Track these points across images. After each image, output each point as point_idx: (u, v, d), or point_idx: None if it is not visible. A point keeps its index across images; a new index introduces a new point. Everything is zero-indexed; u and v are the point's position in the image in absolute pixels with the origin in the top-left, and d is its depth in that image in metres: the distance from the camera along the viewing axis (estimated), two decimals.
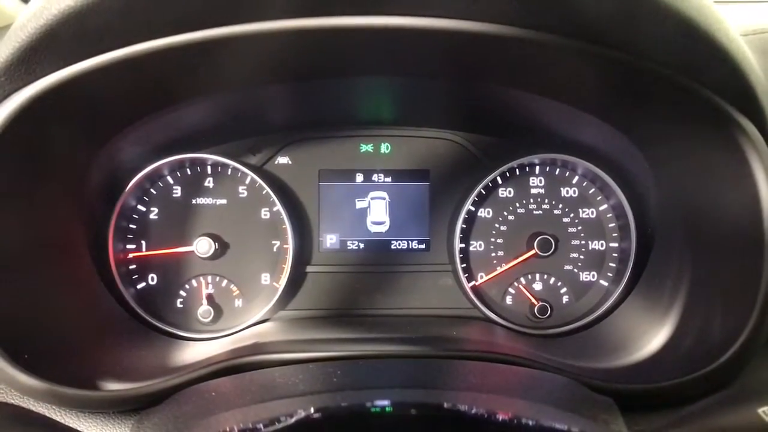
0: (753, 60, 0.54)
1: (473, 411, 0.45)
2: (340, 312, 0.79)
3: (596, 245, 0.79)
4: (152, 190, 0.78)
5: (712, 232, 0.63)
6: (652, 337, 0.66)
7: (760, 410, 0.41)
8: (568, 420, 0.41)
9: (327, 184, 0.81)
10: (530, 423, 0.45)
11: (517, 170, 0.79)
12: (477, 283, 0.79)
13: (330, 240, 0.81)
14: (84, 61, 0.50)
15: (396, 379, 0.54)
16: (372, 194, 0.81)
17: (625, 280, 0.76)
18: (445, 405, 0.43)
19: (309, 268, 0.80)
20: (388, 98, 0.74)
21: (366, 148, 0.81)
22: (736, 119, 0.54)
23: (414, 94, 0.71)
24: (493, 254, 0.79)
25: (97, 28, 0.47)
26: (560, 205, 0.79)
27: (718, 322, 0.61)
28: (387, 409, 0.44)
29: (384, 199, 0.81)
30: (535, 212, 0.79)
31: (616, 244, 0.78)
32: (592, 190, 0.79)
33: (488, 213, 0.79)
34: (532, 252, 0.77)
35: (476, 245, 0.80)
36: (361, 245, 0.81)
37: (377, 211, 0.81)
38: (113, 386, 0.60)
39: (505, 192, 0.79)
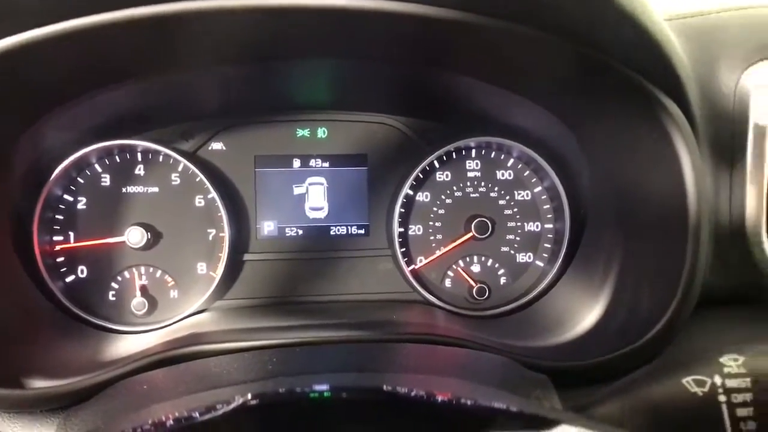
0: (676, 43, 0.56)
1: (410, 392, 0.45)
2: (280, 300, 0.78)
3: (532, 226, 0.81)
4: (79, 179, 0.74)
5: (640, 211, 0.65)
6: (586, 314, 0.69)
7: (684, 380, 0.43)
8: (502, 398, 0.42)
9: (263, 171, 0.79)
10: (466, 402, 0.45)
11: (453, 154, 0.80)
12: (416, 267, 0.80)
13: (267, 227, 0.80)
14: (11, 37, 0.47)
15: (333, 364, 0.54)
16: (310, 180, 0.80)
17: (560, 260, 0.78)
18: (382, 387, 0.43)
19: (246, 257, 0.79)
20: (325, 82, 0.73)
21: (303, 132, 0.80)
22: (661, 100, 0.56)
23: (351, 77, 0.71)
24: (432, 238, 0.80)
25: (27, 3, 0.45)
26: (496, 188, 0.80)
27: (647, 299, 0.64)
28: (324, 394, 0.44)
29: (322, 184, 0.80)
30: (472, 195, 0.80)
31: (551, 225, 0.80)
32: (527, 172, 0.80)
33: (426, 197, 0.80)
34: (469, 235, 0.79)
35: (415, 229, 0.80)
36: (300, 232, 0.80)
37: (315, 197, 0.80)
38: (41, 384, 0.57)
39: (442, 175, 0.80)
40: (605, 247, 0.70)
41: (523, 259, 0.81)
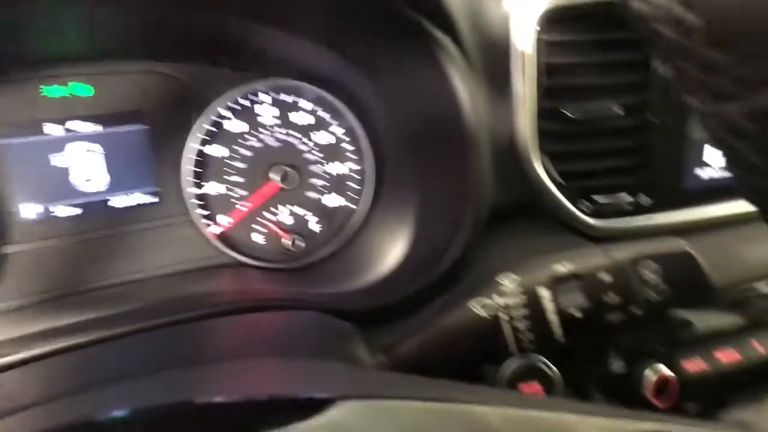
0: None
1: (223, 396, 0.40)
2: (60, 294, 0.67)
3: (336, 169, 0.79)
4: None
5: (429, 144, 0.67)
6: (392, 252, 0.70)
7: (470, 305, 0.45)
8: (308, 363, 0.39)
9: (10, 142, 0.66)
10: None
11: (243, 101, 0.74)
12: (221, 228, 0.75)
13: (29, 210, 0.67)
14: None
15: (132, 365, 0.47)
16: (72, 147, 0.68)
17: (367, 199, 0.78)
18: (192, 401, 0.38)
19: (7, 249, 0.66)
20: (73, 26, 0.61)
21: (55, 91, 0.67)
22: (433, 34, 0.56)
23: (104, 19, 0.60)
24: (234, 194, 0.75)
25: None
26: (294, 133, 0.77)
27: (443, 227, 0.67)
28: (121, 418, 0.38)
29: (94, 151, 0.70)
30: (270, 144, 0.76)
31: (355, 166, 0.79)
32: (324, 114, 0.78)
33: (220, 151, 0.74)
34: (273, 185, 0.75)
35: (213, 187, 0.74)
36: (74, 210, 0.69)
37: (88, 167, 0.70)
38: None
39: (234, 126, 0.74)
40: (404, 183, 0.72)
41: (332, 202, 0.79)
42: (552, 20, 0.65)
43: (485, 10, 0.65)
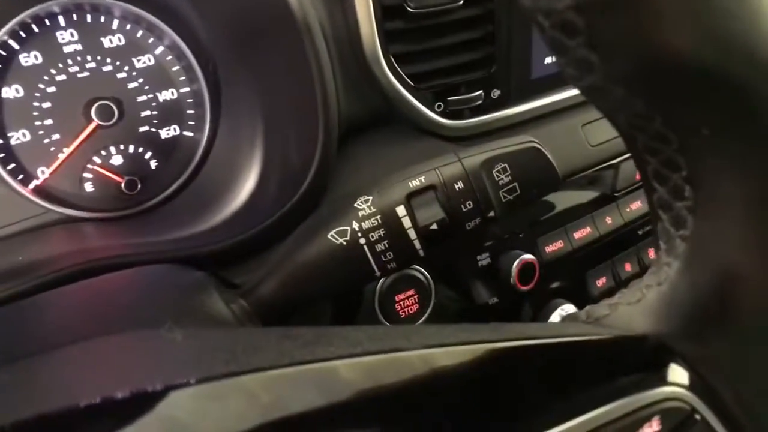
0: None
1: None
2: None
3: (167, 95, 0.70)
4: None
5: (261, 51, 0.60)
6: (244, 182, 0.64)
7: (329, 235, 0.41)
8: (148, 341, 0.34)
9: None
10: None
11: (34, 26, 0.62)
12: (39, 182, 0.64)
13: None
14: None
15: None
16: None
17: (208, 125, 0.70)
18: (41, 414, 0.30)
19: None
20: None
21: None
22: None
23: None
24: (47, 141, 0.64)
25: None
26: (109, 59, 0.66)
27: (295, 147, 0.62)
28: None
29: None
30: (80, 75, 0.65)
31: (187, 89, 0.70)
32: (141, 33, 0.67)
33: (18, 91, 0.62)
34: (93, 124, 0.65)
35: (19, 136, 0.63)
36: None
37: None
38: None
39: (29, 58, 0.62)
40: (245, 100, 0.65)
41: (168, 134, 0.71)
42: None
43: None
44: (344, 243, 0.41)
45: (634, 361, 0.27)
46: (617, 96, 0.23)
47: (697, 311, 0.28)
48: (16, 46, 0.61)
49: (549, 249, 0.74)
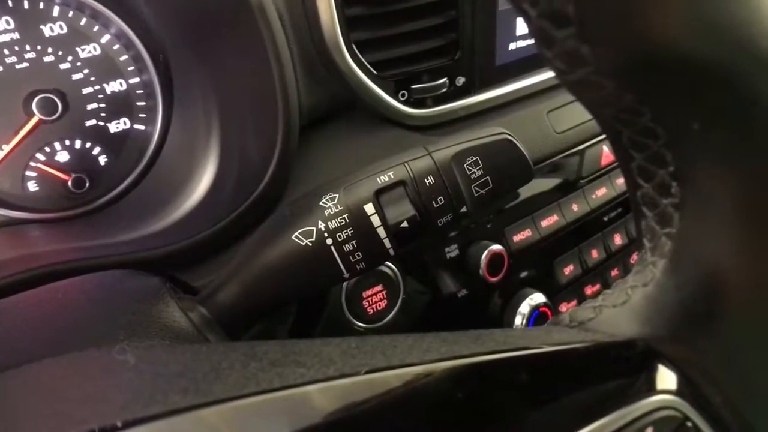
0: None
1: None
2: None
3: (115, 86, 0.65)
4: None
5: (214, 34, 0.56)
6: (201, 176, 0.61)
7: (293, 236, 0.39)
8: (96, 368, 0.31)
9: None
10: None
11: None
12: None
13: None
14: None
15: None
16: None
17: (160, 118, 0.66)
18: None
19: None
20: None
21: None
22: None
23: None
24: None
25: None
26: (50, 49, 0.61)
27: (253, 139, 0.59)
28: None
29: None
30: (18, 66, 0.60)
31: (137, 79, 0.66)
32: (84, 21, 0.62)
33: None
34: (35, 119, 0.60)
35: None
36: None
37: None
38: None
39: None
40: (199, 91, 0.61)
41: (118, 127, 0.66)
42: None
43: None
44: (309, 244, 0.38)
45: (623, 367, 0.26)
46: (607, 90, 0.21)
47: (685, 313, 0.26)
48: None
49: (517, 238, 0.73)
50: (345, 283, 0.61)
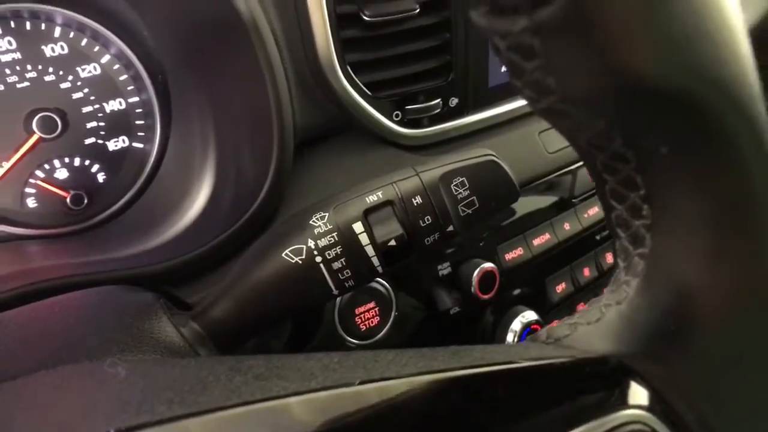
0: None
1: None
2: None
3: (115, 105, 0.67)
4: None
5: (212, 65, 0.58)
6: (197, 194, 0.62)
7: (283, 254, 0.40)
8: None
9: None
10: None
11: None
12: None
13: None
14: None
15: None
16: None
17: (158, 136, 0.68)
18: None
19: None
20: None
21: None
22: None
23: None
24: None
25: None
26: (51, 69, 0.63)
27: (249, 157, 0.60)
28: None
29: None
30: (19, 86, 0.61)
31: (136, 98, 0.68)
32: (85, 41, 0.64)
33: None
34: (35, 137, 0.62)
35: None
36: None
37: None
38: None
39: None
40: (196, 110, 0.62)
41: (117, 146, 0.68)
42: None
43: None
44: (300, 262, 0.39)
45: (595, 382, 0.27)
46: (577, 117, 0.23)
47: (657, 331, 0.27)
48: None
49: (509, 256, 0.74)
50: (338, 300, 0.62)
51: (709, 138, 0.23)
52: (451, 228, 0.43)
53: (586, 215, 0.82)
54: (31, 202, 0.64)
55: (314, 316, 0.62)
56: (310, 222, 0.40)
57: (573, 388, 0.26)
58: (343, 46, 0.61)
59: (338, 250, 0.40)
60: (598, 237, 0.85)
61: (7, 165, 0.61)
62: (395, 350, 0.27)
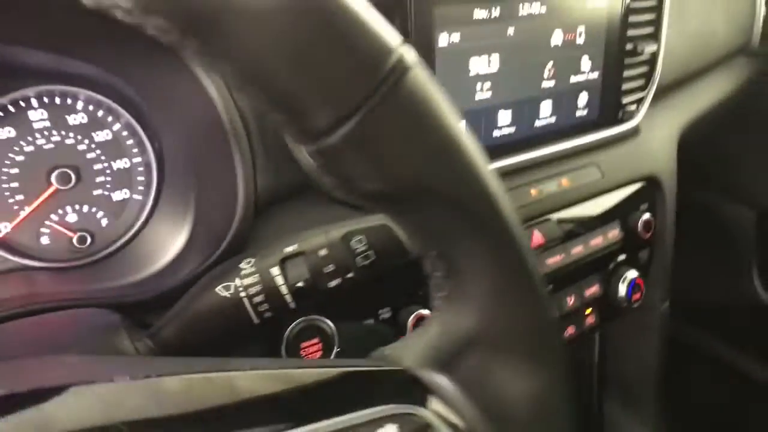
0: None
1: None
2: None
3: (121, 164, 0.82)
4: None
5: (198, 138, 0.73)
6: (176, 240, 0.76)
7: (216, 289, 0.53)
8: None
9: None
10: None
11: (11, 107, 0.74)
12: (1, 236, 0.75)
13: None
14: None
15: None
16: None
17: (153, 190, 0.82)
18: None
19: None
20: None
21: None
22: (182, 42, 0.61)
23: None
24: (11, 200, 0.76)
25: None
26: (71, 134, 0.78)
27: (219, 214, 0.73)
28: None
29: None
30: (45, 147, 0.77)
31: (139, 159, 0.83)
32: (101, 113, 0.80)
33: None
34: (53, 188, 0.77)
35: None
36: None
37: None
38: None
39: (4, 132, 0.75)
40: (182, 172, 0.77)
41: (120, 196, 0.82)
42: None
43: None
44: (228, 296, 0.52)
45: (392, 387, 0.38)
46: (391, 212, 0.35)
47: (440, 358, 0.39)
48: None
49: None
50: (286, 334, 0.74)
51: (463, 224, 0.36)
52: (351, 274, 0.55)
53: None
54: (44, 240, 0.78)
55: (266, 347, 0.74)
56: (240, 265, 0.53)
57: (372, 388, 0.38)
58: None
59: (258, 288, 0.53)
60: None
61: (28, 209, 0.76)
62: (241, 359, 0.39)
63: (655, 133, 1.20)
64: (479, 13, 0.84)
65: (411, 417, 0.36)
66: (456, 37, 0.83)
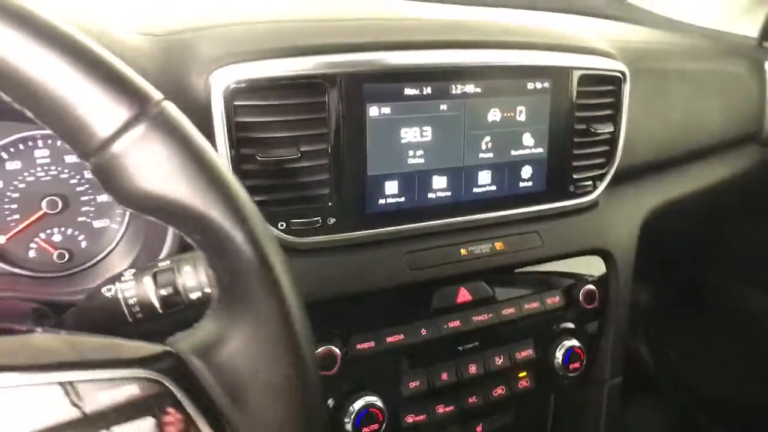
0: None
1: None
2: None
3: (104, 197, 0.99)
4: None
5: None
6: (130, 258, 0.91)
7: (103, 290, 0.66)
8: None
9: None
10: None
11: (20, 145, 0.94)
12: None
13: None
14: None
15: None
16: None
17: (127, 219, 0.99)
18: None
19: None
20: None
21: None
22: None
23: None
24: (10, 218, 0.94)
25: None
26: (67, 170, 0.97)
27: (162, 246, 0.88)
28: None
29: None
30: (43, 179, 0.96)
31: None
32: None
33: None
34: (41, 212, 0.95)
35: None
36: None
37: None
38: None
39: (12, 164, 0.94)
40: None
41: (100, 224, 1.00)
42: (242, 90, 0.87)
43: (191, 84, 0.87)
44: (109, 296, 0.65)
45: (151, 360, 0.49)
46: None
47: (201, 348, 0.50)
48: (5, 156, 0.94)
49: (359, 346, 0.94)
50: None
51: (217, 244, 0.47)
52: (209, 290, 0.66)
53: (446, 326, 0.99)
54: (32, 253, 0.96)
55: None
56: (123, 274, 0.67)
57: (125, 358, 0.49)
58: (241, 175, 0.89)
59: (133, 292, 0.65)
60: (460, 348, 1.02)
61: (17, 228, 0.94)
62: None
63: (617, 209, 1.24)
64: (410, 91, 0.96)
65: (155, 382, 0.46)
66: (386, 109, 0.95)
